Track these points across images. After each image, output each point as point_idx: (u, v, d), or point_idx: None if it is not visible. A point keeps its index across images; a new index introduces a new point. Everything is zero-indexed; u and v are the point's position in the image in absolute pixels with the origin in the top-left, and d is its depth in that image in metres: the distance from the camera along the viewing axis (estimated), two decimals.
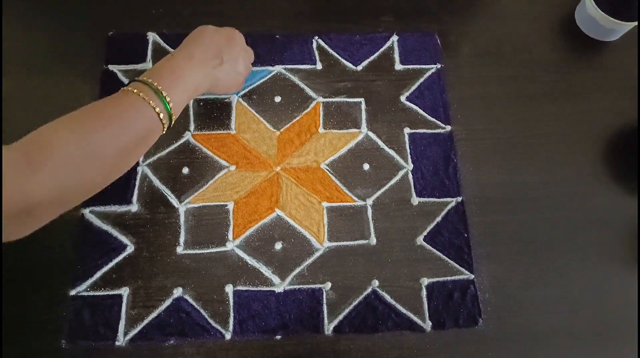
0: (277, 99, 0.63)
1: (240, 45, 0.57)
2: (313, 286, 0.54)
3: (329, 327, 0.52)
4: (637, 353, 0.53)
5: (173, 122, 0.49)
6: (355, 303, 0.53)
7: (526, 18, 0.70)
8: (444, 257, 0.56)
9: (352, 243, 0.56)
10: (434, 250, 0.56)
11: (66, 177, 0.41)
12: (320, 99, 0.63)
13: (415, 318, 0.53)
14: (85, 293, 0.52)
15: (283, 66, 0.64)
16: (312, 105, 0.63)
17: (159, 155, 0.58)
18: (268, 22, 0.67)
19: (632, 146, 0.63)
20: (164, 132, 0.49)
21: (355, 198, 0.58)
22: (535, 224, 0.58)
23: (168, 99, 0.47)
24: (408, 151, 0.61)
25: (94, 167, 0.43)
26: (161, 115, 0.47)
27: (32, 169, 0.39)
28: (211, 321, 0.52)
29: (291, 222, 0.57)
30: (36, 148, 0.40)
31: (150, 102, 0.46)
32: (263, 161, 0.59)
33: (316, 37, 0.66)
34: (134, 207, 0.56)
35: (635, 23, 0.64)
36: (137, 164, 0.58)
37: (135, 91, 0.46)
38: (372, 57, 0.66)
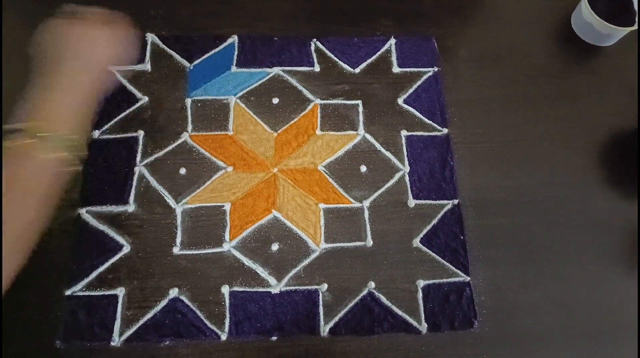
0: (275, 100, 0.63)
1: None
2: (309, 287, 0.54)
3: (324, 329, 0.52)
4: (638, 356, 0.53)
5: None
6: (351, 304, 0.53)
7: (523, 23, 0.71)
8: (440, 259, 0.56)
9: (348, 244, 0.56)
10: (430, 252, 0.56)
11: None
12: (318, 101, 0.63)
13: (411, 320, 0.53)
14: (81, 293, 0.52)
15: (281, 68, 0.64)
16: (309, 107, 0.63)
17: (156, 156, 0.58)
18: (267, 24, 0.67)
19: (627, 150, 0.63)
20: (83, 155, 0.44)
21: (352, 200, 0.58)
22: (532, 227, 0.58)
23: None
24: (405, 153, 0.61)
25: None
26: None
27: None
28: (207, 322, 0.52)
29: (288, 223, 0.57)
30: None
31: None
32: (260, 162, 0.59)
33: (314, 40, 0.67)
34: (131, 207, 0.56)
35: (630, 28, 0.65)
36: (135, 164, 0.58)
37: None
38: (369, 60, 0.66)
